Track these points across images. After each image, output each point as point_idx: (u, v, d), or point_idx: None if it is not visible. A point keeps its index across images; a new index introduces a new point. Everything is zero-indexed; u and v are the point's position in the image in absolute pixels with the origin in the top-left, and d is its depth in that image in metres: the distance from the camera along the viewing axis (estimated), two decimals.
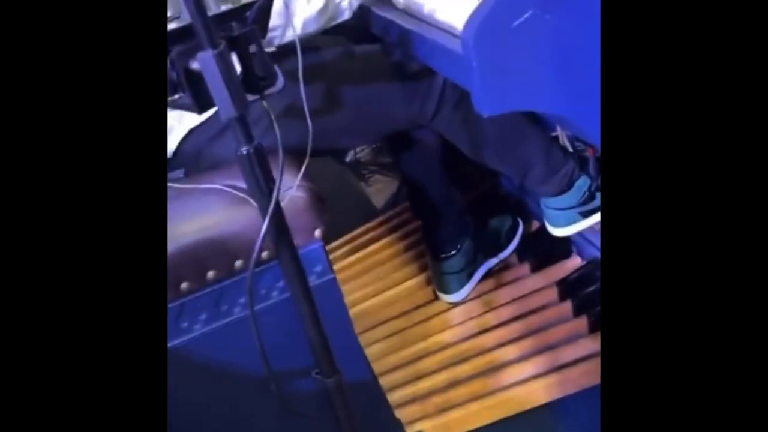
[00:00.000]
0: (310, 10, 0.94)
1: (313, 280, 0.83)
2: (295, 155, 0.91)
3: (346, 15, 1.00)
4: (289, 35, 0.94)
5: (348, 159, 2.05)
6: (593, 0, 0.67)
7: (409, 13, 0.94)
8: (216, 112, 0.97)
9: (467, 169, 1.45)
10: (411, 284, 1.47)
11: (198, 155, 1.02)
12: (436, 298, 1.42)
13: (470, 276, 1.40)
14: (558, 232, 1.26)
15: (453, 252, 1.36)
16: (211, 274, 0.86)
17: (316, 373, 0.80)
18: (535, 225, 1.48)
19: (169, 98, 0.66)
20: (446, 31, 0.83)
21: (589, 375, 1.14)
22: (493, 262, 1.43)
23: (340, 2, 0.98)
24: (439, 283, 1.40)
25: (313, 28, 0.97)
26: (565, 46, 0.70)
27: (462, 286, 1.39)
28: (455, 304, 1.39)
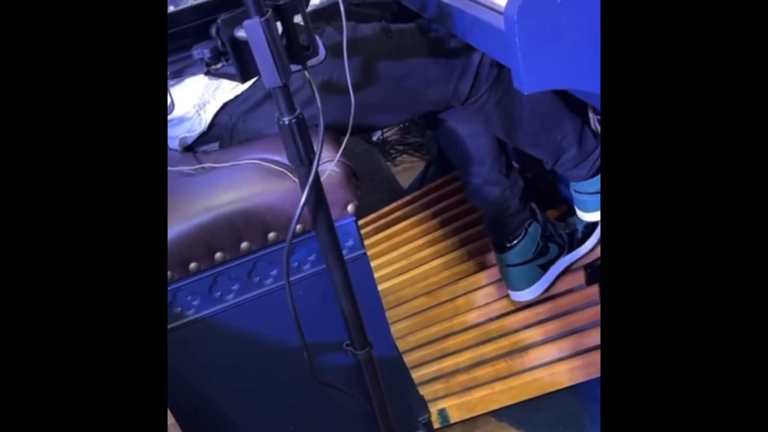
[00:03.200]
0: None
1: (345, 254, 0.83)
2: (328, 131, 0.92)
3: None
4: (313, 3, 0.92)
5: (375, 138, 2.06)
6: None
7: None
8: (250, 87, 0.99)
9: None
10: (437, 263, 1.47)
11: (232, 128, 1.03)
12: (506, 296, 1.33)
13: (545, 269, 1.29)
14: (588, 216, 1.25)
15: (517, 240, 1.27)
16: (244, 245, 0.87)
17: (347, 345, 0.81)
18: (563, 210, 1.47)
19: (212, 67, 0.67)
20: (487, 6, 0.82)
21: None
22: (569, 258, 1.32)
23: None
24: (507, 277, 1.30)
25: None
26: None
27: (534, 281, 1.28)
28: (482, 287, 1.39)
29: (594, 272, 1.29)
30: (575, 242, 1.33)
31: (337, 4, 0.66)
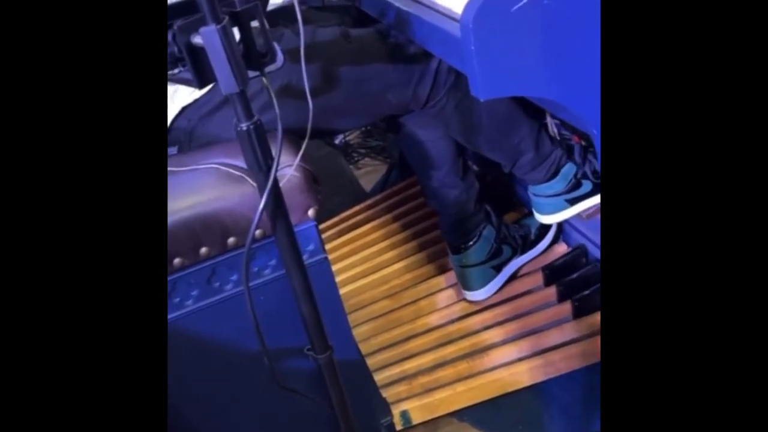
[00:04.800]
0: None
1: (305, 259, 0.83)
2: (288, 135, 0.92)
3: None
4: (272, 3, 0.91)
5: (337, 142, 2.06)
6: None
7: None
8: (209, 91, 0.99)
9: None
10: (399, 266, 1.48)
11: (191, 133, 1.02)
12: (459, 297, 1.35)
13: (498, 270, 1.33)
14: (546, 219, 1.28)
15: (472, 242, 1.30)
16: (204, 250, 0.87)
17: (308, 350, 0.81)
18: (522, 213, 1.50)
19: (169, 72, 0.66)
20: (444, 14, 0.84)
21: (571, 359, 1.17)
22: (522, 259, 1.36)
23: None
24: (462, 278, 1.33)
25: None
26: (563, 31, 0.71)
27: (487, 281, 1.32)
28: (443, 289, 1.40)
29: (552, 273, 1.32)
30: (528, 244, 1.37)
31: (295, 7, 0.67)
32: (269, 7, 0.96)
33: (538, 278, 1.34)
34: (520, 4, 0.70)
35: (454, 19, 0.79)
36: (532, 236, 1.37)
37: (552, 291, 1.30)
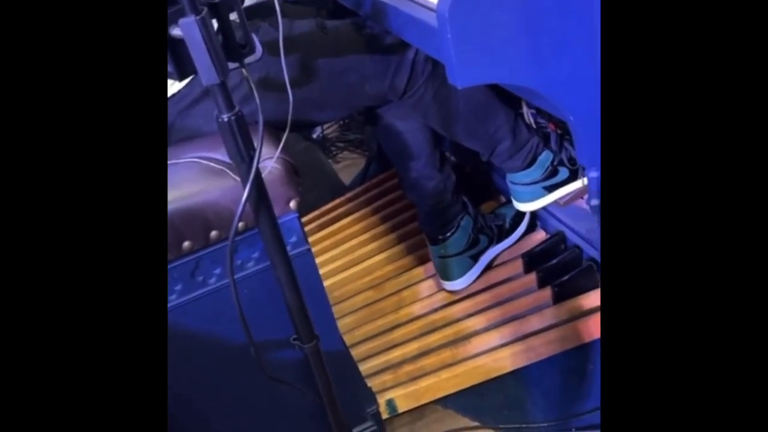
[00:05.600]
0: None
1: (289, 251, 0.84)
2: (267, 128, 0.92)
3: None
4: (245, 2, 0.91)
5: (315, 135, 2.06)
6: None
7: None
8: (187, 84, 0.98)
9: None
10: (381, 258, 1.50)
11: (170, 127, 1.01)
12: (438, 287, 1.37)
13: (475, 260, 1.35)
14: (523, 207, 1.30)
15: (450, 232, 1.32)
16: (186, 244, 0.86)
17: (294, 339, 0.82)
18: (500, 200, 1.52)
19: None
20: (420, 4, 0.84)
21: (552, 344, 1.19)
22: (498, 248, 1.39)
23: None
24: (441, 268, 1.34)
25: None
26: (539, 19, 0.72)
27: (465, 271, 1.34)
28: (425, 279, 1.42)
29: (531, 260, 1.34)
30: (504, 233, 1.40)
31: (272, 1, 0.67)
32: (245, 5, 0.96)
33: (518, 265, 1.36)
34: None
35: (430, 8, 0.80)
36: (507, 225, 1.40)
37: (532, 277, 1.32)
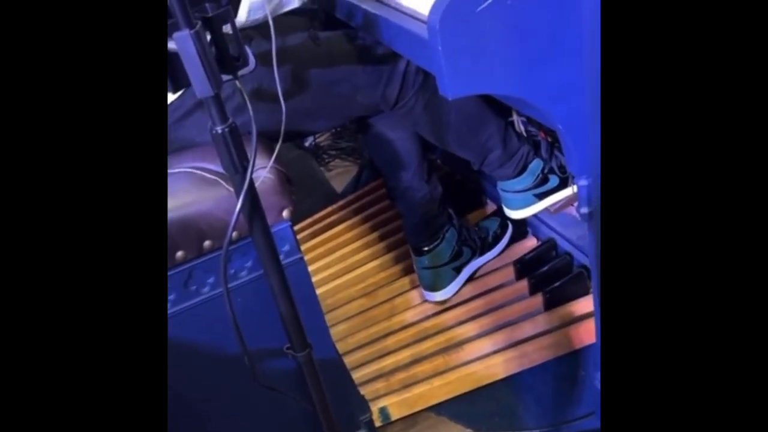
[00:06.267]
0: None
1: (282, 259, 0.84)
2: (260, 138, 0.93)
3: (295, 3, 0.99)
4: (237, 21, 0.92)
5: (308, 144, 2.07)
6: None
7: None
8: (180, 96, 0.99)
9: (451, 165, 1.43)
10: (373, 265, 1.50)
11: None
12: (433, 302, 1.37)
13: (458, 272, 1.36)
14: (515, 214, 1.31)
15: (434, 244, 1.33)
16: (179, 254, 0.87)
17: (287, 348, 0.82)
18: (491, 208, 1.53)
19: None
20: (411, 15, 0.86)
21: (544, 350, 1.20)
22: (480, 261, 1.40)
23: None
24: (424, 279, 1.35)
25: (259, 15, 0.96)
26: (527, 30, 0.73)
27: (449, 282, 1.35)
28: (417, 286, 1.42)
29: (523, 267, 1.36)
30: (486, 246, 1.42)
31: (265, 15, 0.68)
32: (239, 25, 0.97)
33: (510, 272, 1.37)
34: (485, 5, 0.72)
35: (420, 20, 0.81)
36: (490, 238, 1.42)
37: (523, 284, 1.33)
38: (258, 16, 0.96)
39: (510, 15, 0.73)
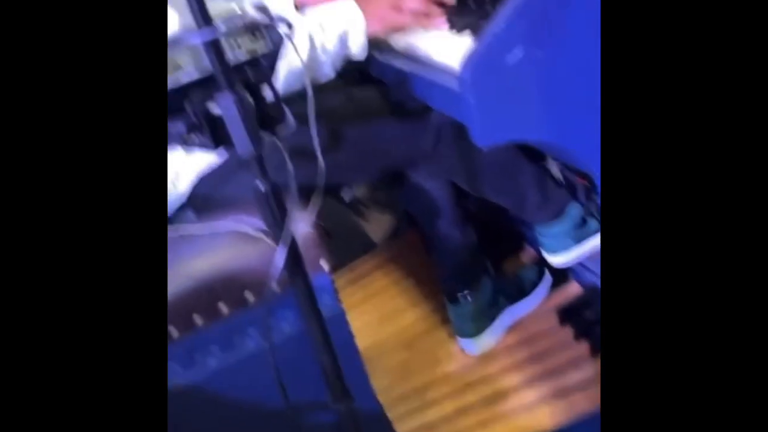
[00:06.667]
0: (292, 68, 0.94)
1: (322, 312, 0.85)
2: (301, 192, 0.95)
3: (331, 74, 1.02)
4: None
5: (345, 196, 2.09)
6: (579, 36, 0.73)
7: (406, 56, 1.00)
8: (223, 157, 1.03)
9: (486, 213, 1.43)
10: (413, 316, 1.50)
11: (207, 198, 1.06)
12: (455, 342, 1.36)
13: (492, 320, 1.35)
14: (555, 259, 1.30)
15: (468, 292, 1.32)
16: (224, 309, 0.89)
17: (330, 401, 0.82)
18: (530, 253, 1.52)
19: (188, 140, 0.70)
20: (442, 70, 0.88)
21: (592, 399, 1.17)
22: (516, 309, 1.38)
23: (324, 62, 1.00)
24: (459, 327, 1.35)
25: (297, 86, 1.00)
26: (556, 79, 0.75)
27: (484, 330, 1.33)
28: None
29: (566, 313, 1.33)
30: (523, 294, 1.39)
31: (302, 85, 0.71)
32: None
33: (553, 319, 1.35)
34: (514, 57, 0.74)
35: (451, 74, 0.83)
36: (526, 287, 1.40)
37: (567, 331, 1.30)
38: (294, 87, 0.99)
39: (540, 66, 0.75)
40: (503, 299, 1.37)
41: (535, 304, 1.40)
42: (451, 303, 1.35)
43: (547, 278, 1.42)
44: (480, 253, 1.36)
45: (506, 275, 1.42)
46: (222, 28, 0.66)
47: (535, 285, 1.41)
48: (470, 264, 1.34)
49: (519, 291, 1.40)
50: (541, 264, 1.36)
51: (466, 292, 1.32)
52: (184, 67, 0.70)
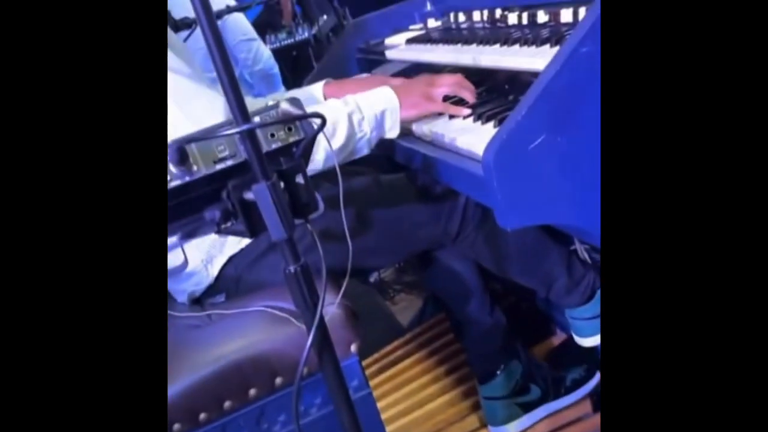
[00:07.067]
0: (331, 147, 1.00)
1: (350, 395, 0.85)
2: (329, 274, 0.97)
3: (365, 151, 1.07)
4: (313, 169, 1.01)
5: (372, 279, 2.11)
6: (598, 121, 0.76)
7: (431, 142, 1.04)
8: (255, 239, 1.06)
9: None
10: (441, 401, 1.46)
11: (238, 279, 1.08)
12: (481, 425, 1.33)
13: (524, 410, 1.31)
14: (586, 342, 1.28)
15: (497, 373, 1.30)
16: (252, 391, 0.89)
17: None
18: (561, 337, 1.50)
19: (222, 226, 0.73)
20: (466, 156, 0.92)
21: None
22: (554, 406, 1.33)
23: (360, 139, 1.05)
24: (487, 411, 1.32)
25: (333, 163, 1.05)
26: (577, 163, 0.77)
27: (511, 419, 1.30)
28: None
29: (600, 400, 1.29)
30: (562, 390, 1.35)
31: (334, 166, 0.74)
32: (310, 173, 1.06)
33: (587, 405, 1.31)
34: (536, 143, 0.77)
35: (475, 159, 0.87)
36: (567, 382, 1.36)
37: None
38: (331, 164, 1.04)
39: (561, 150, 0.78)
40: (536, 389, 1.33)
41: (575, 400, 1.36)
42: (480, 384, 1.33)
43: (596, 379, 1.36)
44: (510, 335, 1.35)
45: (541, 363, 1.38)
46: (258, 120, 0.71)
47: (579, 383, 1.36)
48: (500, 346, 1.32)
49: (557, 384, 1.35)
50: (591, 362, 1.32)
51: (497, 376, 1.30)
52: (220, 155, 0.74)
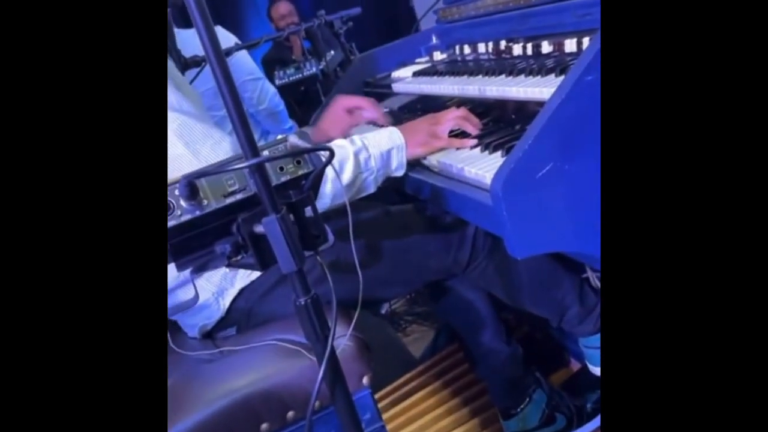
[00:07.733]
0: (339, 185, 1.00)
1: (363, 428, 0.84)
2: (340, 306, 0.97)
3: (372, 189, 1.07)
4: (321, 206, 1.01)
5: (384, 311, 2.10)
6: None
7: (439, 173, 1.05)
8: (265, 272, 1.06)
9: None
10: None
11: (249, 312, 1.08)
12: None
13: None
14: (599, 371, 1.26)
15: (523, 405, 1.28)
16: (264, 426, 0.88)
17: None
18: (576, 366, 1.47)
19: (233, 259, 0.74)
20: (475, 185, 0.92)
21: None
22: None
23: (366, 177, 1.05)
24: None
25: (341, 200, 1.05)
26: (585, 190, 0.77)
27: None
28: None
29: None
30: (585, 416, 1.33)
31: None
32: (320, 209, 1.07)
33: None
34: (544, 171, 0.78)
35: (484, 189, 0.87)
36: (589, 408, 1.34)
37: None
38: (339, 201, 1.05)
39: (569, 177, 0.78)
40: (562, 418, 1.31)
41: (599, 425, 1.33)
42: (504, 419, 1.31)
43: None
44: (529, 365, 1.33)
45: (562, 392, 1.36)
46: (266, 154, 0.72)
47: (599, 409, 1.34)
48: (521, 377, 1.31)
49: (580, 411, 1.33)
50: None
51: (520, 408, 1.28)
52: (230, 189, 0.75)
